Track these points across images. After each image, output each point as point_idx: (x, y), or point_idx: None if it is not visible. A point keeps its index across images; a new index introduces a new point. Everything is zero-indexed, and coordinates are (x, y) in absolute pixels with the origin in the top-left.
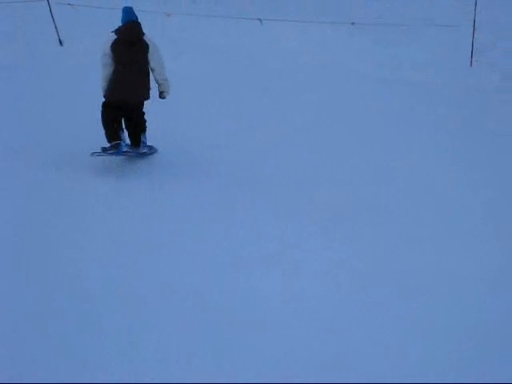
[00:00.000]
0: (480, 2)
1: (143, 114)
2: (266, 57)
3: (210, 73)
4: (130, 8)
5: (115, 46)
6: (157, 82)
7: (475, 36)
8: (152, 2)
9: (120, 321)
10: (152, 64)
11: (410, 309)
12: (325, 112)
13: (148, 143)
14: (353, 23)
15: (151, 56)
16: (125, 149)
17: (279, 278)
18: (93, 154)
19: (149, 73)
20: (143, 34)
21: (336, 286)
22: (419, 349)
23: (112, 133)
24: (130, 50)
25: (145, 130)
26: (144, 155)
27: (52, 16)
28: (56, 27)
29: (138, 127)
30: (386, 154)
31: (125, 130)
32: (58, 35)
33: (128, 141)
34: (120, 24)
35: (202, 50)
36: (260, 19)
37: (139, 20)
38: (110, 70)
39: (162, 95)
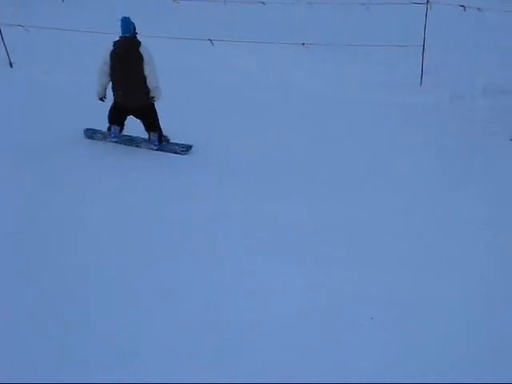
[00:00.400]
0: (429, 23)
1: (153, 116)
2: (216, 77)
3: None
4: (126, 19)
5: (113, 56)
6: (149, 88)
7: (425, 56)
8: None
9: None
10: (146, 72)
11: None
12: (278, 130)
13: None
14: (303, 44)
15: (146, 66)
16: (113, 140)
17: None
18: (87, 130)
19: (145, 80)
20: (139, 45)
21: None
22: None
23: (110, 124)
24: (126, 62)
25: (158, 130)
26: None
27: (2, 37)
28: (6, 49)
29: (149, 127)
30: (350, 169)
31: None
32: (9, 57)
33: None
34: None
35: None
36: (211, 40)
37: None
38: (108, 77)
39: (152, 99)
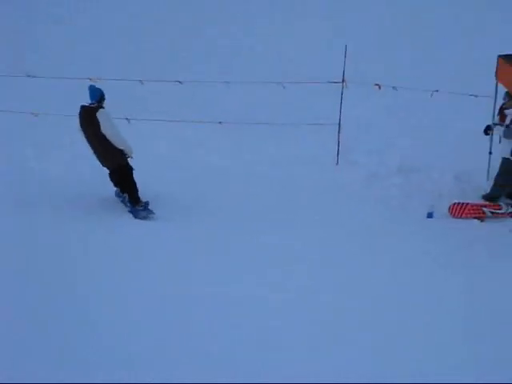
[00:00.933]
0: (345, 101)
1: (122, 178)
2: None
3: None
4: (91, 87)
5: (79, 123)
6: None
7: (341, 134)
8: (18, 102)
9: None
10: (107, 136)
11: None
12: (195, 208)
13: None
14: (220, 122)
15: (104, 131)
16: (119, 199)
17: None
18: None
19: (108, 142)
20: (96, 111)
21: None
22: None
23: None
24: (87, 128)
25: (128, 192)
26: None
27: None
28: None
29: (120, 188)
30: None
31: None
32: None
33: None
34: None
35: (67, 148)
36: (128, 118)
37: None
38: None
39: (126, 156)
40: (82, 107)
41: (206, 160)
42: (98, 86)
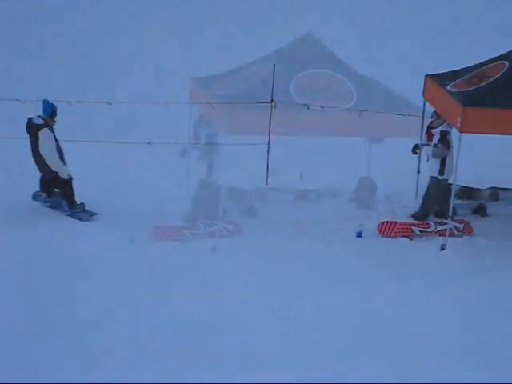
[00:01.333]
0: (275, 122)
1: (61, 187)
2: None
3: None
4: (45, 102)
5: (27, 132)
6: None
7: (270, 155)
8: None
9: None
10: (43, 156)
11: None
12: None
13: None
14: (149, 143)
15: (41, 151)
16: (45, 204)
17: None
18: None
19: None
20: (39, 128)
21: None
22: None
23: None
24: (30, 140)
25: (67, 199)
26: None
27: None
28: None
29: (62, 194)
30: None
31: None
32: None
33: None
34: None
35: None
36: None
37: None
38: None
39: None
40: (29, 121)
41: (133, 180)
42: (25, 103)
